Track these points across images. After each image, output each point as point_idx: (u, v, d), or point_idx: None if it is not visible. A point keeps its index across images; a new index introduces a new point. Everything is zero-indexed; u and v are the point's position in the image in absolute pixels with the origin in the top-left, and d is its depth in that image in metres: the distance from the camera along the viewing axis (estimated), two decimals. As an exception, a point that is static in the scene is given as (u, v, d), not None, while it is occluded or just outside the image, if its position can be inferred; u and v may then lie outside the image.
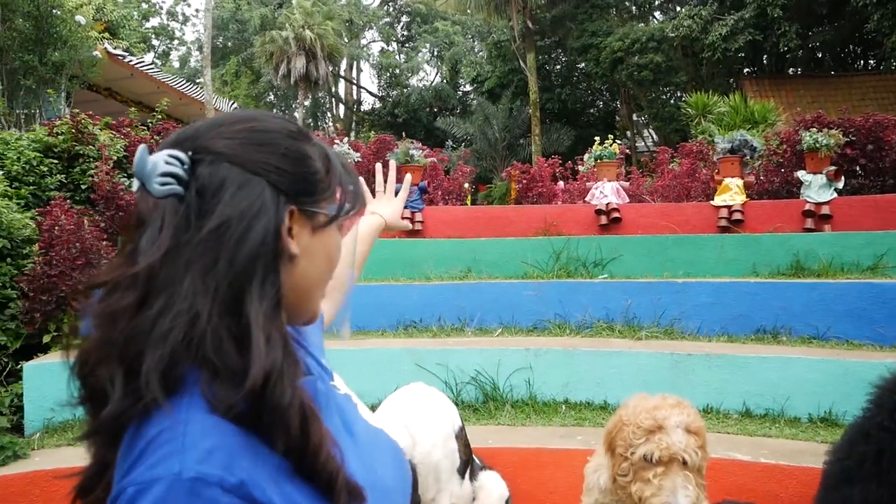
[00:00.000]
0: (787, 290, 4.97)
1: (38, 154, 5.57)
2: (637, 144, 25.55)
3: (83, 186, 5.75)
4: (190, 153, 0.83)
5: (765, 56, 21.02)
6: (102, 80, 12.17)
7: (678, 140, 20.65)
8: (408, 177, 1.89)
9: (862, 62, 22.29)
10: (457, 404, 4.06)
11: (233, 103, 21.49)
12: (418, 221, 6.78)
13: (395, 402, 2.71)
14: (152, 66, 13.19)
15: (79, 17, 9.76)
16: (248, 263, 0.79)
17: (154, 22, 38.12)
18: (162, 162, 0.81)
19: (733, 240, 6.01)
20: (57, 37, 9.07)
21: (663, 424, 1.92)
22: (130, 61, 12.26)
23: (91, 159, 5.80)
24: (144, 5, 35.01)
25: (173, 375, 0.74)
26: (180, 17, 40.53)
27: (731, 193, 6.83)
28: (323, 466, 0.78)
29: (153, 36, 37.79)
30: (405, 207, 6.90)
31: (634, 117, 25.99)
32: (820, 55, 21.64)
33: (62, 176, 5.67)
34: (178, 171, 0.81)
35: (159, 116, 7.12)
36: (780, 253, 5.84)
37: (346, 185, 0.96)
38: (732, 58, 19.62)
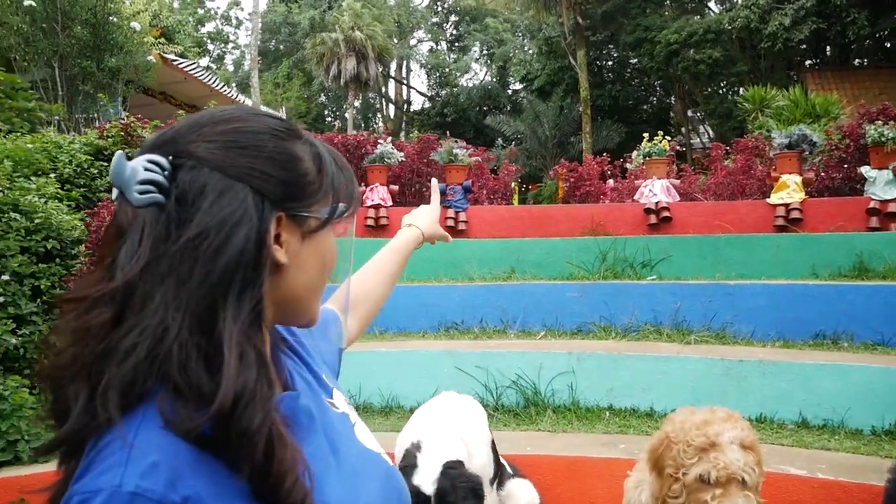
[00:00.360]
0: (848, 293, 4.72)
1: (88, 157, 5.71)
2: (692, 141, 24.93)
3: (131, 188, 5.87)
4: (170, 157, 0.77)
5: (828, 47, 20.22)
6: (157, 84, 12.46)
7: (735, 137, 20.10)
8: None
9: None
10: (496, 409, 3.99)
11: (282, 108, 21.80)
12: (462, 221, 6.70)
13: (438, 413, 2.62)
14: (195, 66, 13.44)
15: (134, 24, 10.00)
16: (225, 276, 0.74)
17: (209, 27, 39.01)
18: (141, 168, 0.75)
19: (791, 239, 5.76)
20: (113, 43, 9.31)
21: (716, 441, 1.77)
22: (181, 65, 12.51)
23: (139, 161, 5.93)
24: (200, 11, 35.86)
25: (134, 392, 0.70)
26: (234, 22, 41.40)
27: (789, 191, 6.55)
28: (287, 493, 0.73)
29: (208, 40, 38.66)
30: (448, 207, 6.87)
31: (690, 113, 25.36)
32: (889, 45, 20.66)
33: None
34: (159, 177, 0.75)
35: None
36: (842, 253, 5.57)
37: (339, 185, 0.89)
38: (793, 49, 18.92)
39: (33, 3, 8.54)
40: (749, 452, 1.78)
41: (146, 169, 0.75)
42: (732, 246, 5.81)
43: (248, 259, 0.75)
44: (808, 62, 21.29)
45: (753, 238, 5.85)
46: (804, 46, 19.44)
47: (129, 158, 0.77)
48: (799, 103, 13.17)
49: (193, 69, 13.17)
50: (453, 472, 2.13)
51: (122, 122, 6.14)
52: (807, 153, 6.77)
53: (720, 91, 23.77)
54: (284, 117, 0.94)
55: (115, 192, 0.78)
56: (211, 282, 0.73)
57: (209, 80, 14.09)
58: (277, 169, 0.81)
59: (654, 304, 4.91)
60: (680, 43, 20.53)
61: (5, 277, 3.95)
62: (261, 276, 0.77)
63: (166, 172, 0.76)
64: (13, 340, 3.83)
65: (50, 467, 2.92)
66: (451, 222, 6.68)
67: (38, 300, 4.28)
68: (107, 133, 6.06)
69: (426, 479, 2.08)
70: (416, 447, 2.21)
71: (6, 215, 4.23)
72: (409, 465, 2.15)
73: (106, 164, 5.83)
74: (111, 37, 9.27)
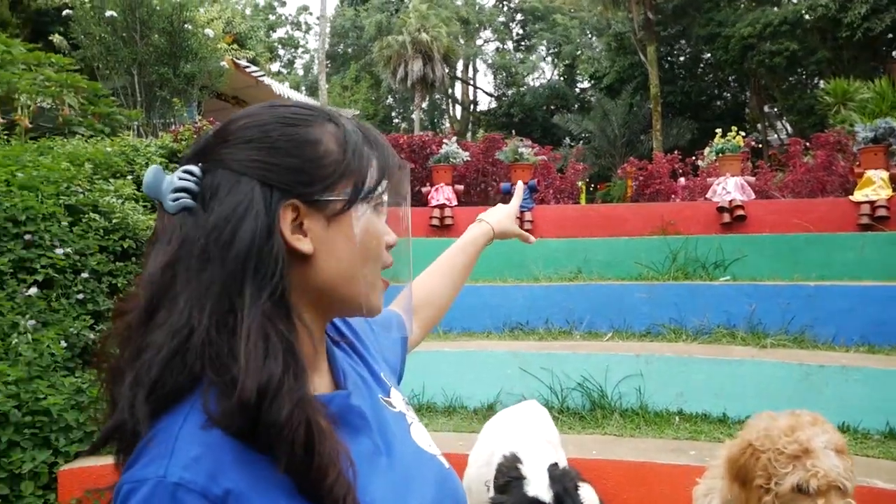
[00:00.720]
0: (942, 296, 4.44)
1: (163, 159, 5.91)
2: (769, 138, 24.06)
3: (203, 188, 6.07)
4: (200, 165, 0.81)
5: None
6: (230, 88, 12.81)
7: (815, 133, 19.25)
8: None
9: None
10: (561, 411, 3.92)
11: (354, 111, 22.14)
12: (527, 221, 6.63)
13: (516, 421, 2.58)
14: (258, 70, 13.73)
15: (208, 31, 10.32)
16: (237, 269, 0.75)
17: (280, 32, 39.99)
18: (176, 178, 0.80)
19: (876, 239, 5.46)
20: (188, 50, 9.62)
21: (810, 447, 1.64)
22: (249, 69, 12.83)
23: (211, 163, 6.12)
24: (271, 17, 36.78)
25: (165, 390, 0.74)
26: (303, 27, 42.35)
27: (875, 187, 6.22)
28: (329, 488, 0.73)
29: (279, 46, 39.64)
30: (514, 207, 6.79)
31: (766, 108, 24.46)
32: None
33: (185, 179, 6.01)
34: (190, 184, 0.79)
35: (277, 122, 7.38)
36: (935, 253, 5.25)
37: (367, 163, 0.85)
38: (877, 39, 18.01)
39: (115, 14, 8.92)
40: (844, 457, 1.66)
41: (180, 178, 0.79)
42: (812, 246, 5.55)
43: (259, 250, 0.75)
44: (894, 52, 20.21)
45: (835, 237, 5.57)
46: (890, 36, 18.49)
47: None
48: (885, 95, 12.51)
49: (260, 75, 13.49)
50: (559, 473, 2.09)
51: (196, 125, 6.33)
52: (894, 147, 6.41)
53: (798, 85, 22.84)
54: (313, 104, 0.90)
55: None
56: (224, 276, 0.74)
57: (277, 85, 14.39)
58: (284, 156, 0.80)
59: (728, 305, 4.73)
60: (755, 36, 19.81)
61: (85, 275, 4.12)
62: (276, 266, 0.76)
63: (197, 179, 0.79)
64: (91, 336, 3.99)
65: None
66: (516, 222, 6.62)
67: (115, 297, 4.46)
68: (181, 136, 6.27)
69: (540, 488, 2.04)
70: (515, 459, 2.15)
71: (87, 215, 4.42)
72: (514, 477, 2.08)
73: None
74: (186, 44, 9.57)
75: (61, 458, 3.31)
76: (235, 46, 15.92)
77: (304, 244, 0.80)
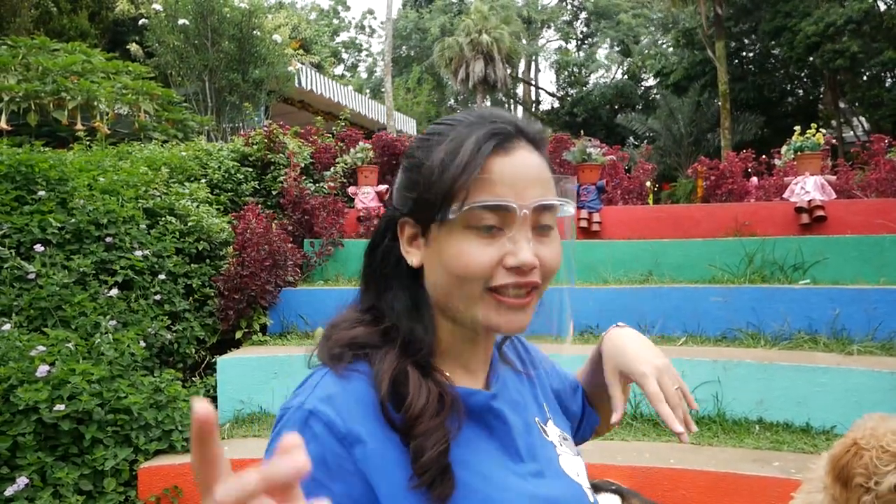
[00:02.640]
0: None
1: (235, 163, 6.05)
2: (845, 135, 23.08)
3: (273, 192, 6.16)
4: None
5: None
6: (296, 92, 13.06)
7: (891, 127, 18.38)
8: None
9: None
10: (634, 417, 3.83)
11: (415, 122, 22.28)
12: (595, 222, 6.52)
13: None
14: (321, 81, 13.96)
15: (276, 37, 10.53)
16: (384, 280, 0.95)
17: (344, 36, 40.57)
18: None
19: (968, 240, 5.16)
20: (257, 55, 9.85)
21: None
22: (308, 82, 13.05)
23: (281, 166, 6.21)
24: (336, 21, 37.36)
25: (343, 354, 0.90)
26: (367, 31, 42.85)
27: (966, 186, 5.88)
28: (422, 460, 0.80)
29: (343, 49, 40.22)
30: (581, 208, 6.70)
31: (841, 104, 23.47)
32: None
33: (256, 182, 6.12)
34: None
35: (343, 124, 7.46)
36: None
37: (451, 183, 0.83)
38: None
39: (187, 22, 9.20)
40: None
41: None
42: (899, 247, 5.28)
43: (389, 264, 0.94)
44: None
45: (924, 239, 5.29)
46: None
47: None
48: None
49: (320, 84, 13.74)
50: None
51: (266, 129, 6.45)
52: None
53: (874, 78, 21.85)
54: (457, 117, 0.93)
55: None
56: (381, 285, 0.95)
57: (337, 91, 14.64)
58: (404, 182, 0.91)
59: (809, 310, 4.54)
60: (819, 34, 19.05)
61: (162, 277, 4.24)
62: (407, 278, 0.92)
63: None
64: (168, 336, 4.09)
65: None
66: (584, 223, 6.51)
67: (190, 298, 4.58)
68: (251, 140, 6.40)
69: None
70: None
71: (164, 218, 4.55)
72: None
73: (251, 169, 6.15)
74: (255, 50, 9.81)
75: (141, 455, 3.40)
76: (301, 52, 16.20)
77: (412, 257, 0.91)
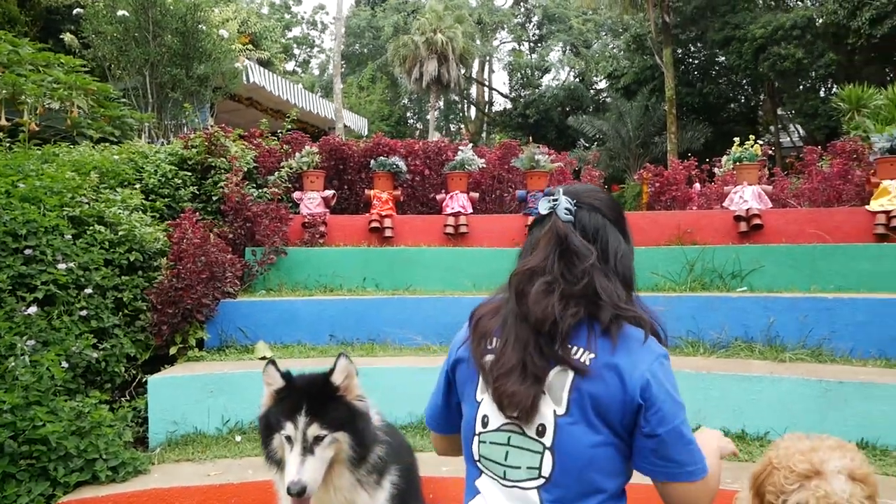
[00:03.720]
0: (960, 310, 4.35)
1: (173, 167, 5.84)
2: (781, 141, 23.82)
3: (214, 198, 5.99)
4: (574, 202, 1.55)
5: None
6: (244, 89, 12.82)
7: (825, 137, 19.05)
8: None
9: None
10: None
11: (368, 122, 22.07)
12: (542, 229, 6.57)
13: None
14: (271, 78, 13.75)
15: (222, 31, 10.31)
16: (631, 271, 1.58)
17: (296, 31, 40.02)
18: (566, 202, 1.55)
19: (893, 249, 5.35)
20: (202, 51, 9.60)
21: (821, 469, 1.63)
22: (256, 81, 12.81)
23: (222, 171, 6.04)
24: (287, 16, 36.83)
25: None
26: (319, 26, 42.40)
27: (890, 197, 6.10)
28: None
29: (294, 45, 39.64)
30: (529, 214, 6.73)
31: (779, 111, 24.23)
32: None
33: (195, 188, 5.92)
34: (572, 209, 1.54)
35: (289, 126, 7.34)
36: (954, 265, 5.15)
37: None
38: (887, 45, 17.86)
39: (127, 14, 8.91)
40: (858, 484, 1.62)
41: (566, 204, 1.54)
42: (829, 256, 5.45)
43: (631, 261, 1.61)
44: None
45: (852, 248, 5.47)
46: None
47: None
48: (898, 102, 12.37)
49: (263, 78, 13.50)
50: None
51: (207, 131, 6.28)
52: (912, 157, 6.29)
53: (809, 89, 22.64)
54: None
55: (544, 207, 1.57)
56: (627, 274, 1.56)
57: (287, 89, 14.40)
58: (617, 216, 1.60)
59: (746, 318, 4.66)
60: (766, 38, 19.69)
61: (88, 291, 4.02)
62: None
63: (573, 209, 1.54)
64: (94, 354, 3.86)
65: (128, 487, 2.94)
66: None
67: (120, 313, 4.33)
68: (191, 143, 6.22)
69: None
70: None
71: (92, 227, 4.31)
72: None
73: (190, 173, 5.97)
74: (200, 45, 9.55)
75: (60, 489, 3.13)
76: (250, 47, 15.90)
77: None
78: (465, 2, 32.88)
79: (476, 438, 1.50)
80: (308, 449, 1.95)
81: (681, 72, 24.03)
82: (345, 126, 16.68)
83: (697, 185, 8.47)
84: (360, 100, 33.52)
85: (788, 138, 24.49)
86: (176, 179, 5.77)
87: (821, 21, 18.29)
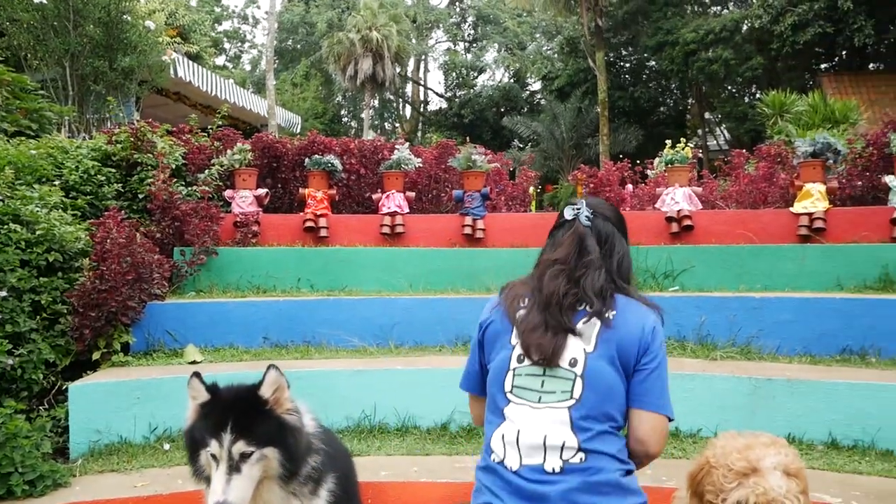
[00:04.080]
0: (876, 307, 4.58)
1: (96, 163, 5.56)
2: (708, 144, 24.66)
3: (140, 196, 5.75)
4: (592, 212, 2.01)
5: (843, 51, 19.97)
6: (171, 84, 12.41)
7: (751, 140, 19.81)
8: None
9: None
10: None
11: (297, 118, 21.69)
12: (480, 229, 6.57)
13: None
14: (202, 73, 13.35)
15: (148, 23, 9.93)
16: (630, 268, 2.02)
17: (226, 25, 39.08)
18: (588, 212, 2.00)
19: (816, 250, 5.59)
20: (127, 42, 9.23)
21: (758, 466, 1.67)
22: (185, 76, 12.42)
23: (149, 168, 5.80)
24: (217, 9, 35.91)
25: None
26: (251, 21, 41.49)
27: (813, 200, 6.36)
28: None
29: (225, 39, 38.69)
30: (465, 214, 6.73)
31: (707, 115, 25.08)
32: (899, 50, 20.42)
33: (120, 185, 5.67)
34: (591, 217, 2.00)
35: (220, 122, 7.12)
36: (868, 265, 5.42)
37: None
38: (807, 52, 18.71)
39: (45, 1, 8.48)
40: (793, 480, 1.67)
41: (587, 214, 2.00)
42: (757, 257, 5.65)
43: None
44: (823, 66, 21.04)
45: (778, 249, 5.69)
46: (819, 49, 19.21)
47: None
48: (818, 108, 12.96)
49: (202, 76, 13.13)
50: None
51: (132, 126, 6.02)
52: (830, 162, 6.58)
53: (736, 94, 23.53)
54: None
55: (569, 213, 2.04)
56: (625, 270, 2.01)
57: (217, 84, 14.01)
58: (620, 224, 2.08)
59: (678, 317, 4.77)
60: (697, 42, 20.34)
61: (3, 294, 3.78)
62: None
63: (591, 217, 2.00)
64: (9, 361, 3.65)
65: (47, 501, 2.76)
66: (468, 230, 6.54)
67: (38, 316, 4.10)
68: (115, 138, 5.95)
69: None
70: None
71: (6, 226, 4.05)
72: None
73: (114, 170, 5.70)
74: (124, 36, 9.18)
75: None
76: (178, 40, 15.47)
77: None
78: (400, 0, 32.74)
79: (511, 373, 1.87)
80: (234, 467, 1.84)
81: (613, 75, 24.54)
82: (278, 124, 16.36)
83: (630, 187, 8.65)
84: (294, 97, 33.00)
85: (715, 141, 25.36)
86: (99, 176, 5.49)
87: (746, 26, 18.98)
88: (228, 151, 6.64)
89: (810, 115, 12.85)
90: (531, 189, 8.74)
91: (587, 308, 1.88)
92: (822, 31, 17.23)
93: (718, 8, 24.57)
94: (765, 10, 18.19)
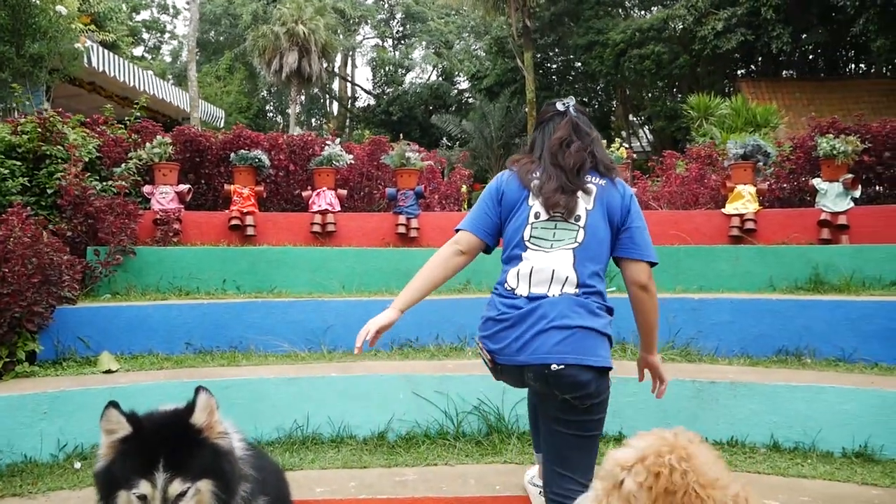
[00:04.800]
0: (810, 308, 4.63)
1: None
2: (633, 145, 25.23)
3: (49, 191, 5.31)
4: (574, 107, 2.54)
5: (760, 57, 20.80)
6: (85, 73, 11.72)
7: (672, 143, 20.37)
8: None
9: (853, 66, 22.22)
10: (457, 437, 3.71)
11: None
12: (414, 228, 6.39)
13: None
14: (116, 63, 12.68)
15: (60, 7, 9.30)
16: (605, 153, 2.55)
17: (145, 15, 37.60)
18: (573, 106, 2.55)
19: (749, 251, 5.67)
20: (36, 27, 8.61)
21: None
22: (96, 56, 11.74)
23: (59, 160, 5.36)
24: (135, -2, 34.44)
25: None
26: (171, 11, 40.03)
27: (744, 201, 6.48)
28: None
29: (144, 29, 37.27)
30: (399, 213, 6.54)
31: (631, 118, 25.66)
32: (812, 57, 21.47)
33: (26, 179, 5.21)
34: (574, 110, 2.54)
35: (138, 114, 6.69)
36: (799, 266, 5.52)
37: None
38: (727, 57, 19.36)
39: (-57, -20, 7.82)
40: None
41: (574, 107, 2.55)
42: (692, 258, 5.68)
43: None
44: (740, 72, 21.86)
45: (712, 250, 5.74)
46: (737, 55, 19.92)
47: None
48: (741, 112, 13.39)
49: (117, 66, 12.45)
50: None
51: (40, 116, 5.55)
52: (761, 164, 6.72)
53: (661, 96, 24.16)
54: None
55: (562, 107, 2.53)
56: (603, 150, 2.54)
57: (135, 74, 13.33)
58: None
59: (617, 318, 4.66)
60: (626, 41, 20.73)
61: None
62: None
63: (575, 110, 2.56)
64: None
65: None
66: (402, 229, 6.35)
67: None
68: (21, 128, 5.47)
69: None
70: None
71: None
72: None
73: (19, 162, 5.24)
74: (33, 21, 8.57)
75: None
76: (93, 27, 14.71)
77: None
78: (327, -7, 32.21)
79: (529, 226, 2.34)
80: None
81: (541, 76, 24.80)
82: (200, 118, 15.70)
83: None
84: (217, 90, 31.98)
85: (638, 143, 25.95)
86: (2, 169, 5.03)
87: (671, 24, 19.44)
88: (147, 144, 6.23)
89: (733, 119, 13.26)
90: (464, 187, 8.63)
91: (592, 176, 2.38)
92: (744, 38, 17.84)
93: (644, 13, 25.17)
94: (688, 10, 18.68)
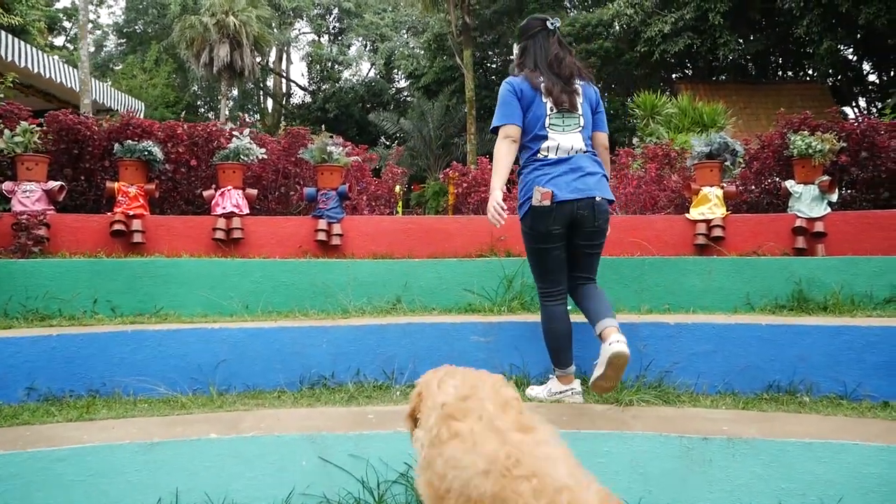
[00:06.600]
0: (804, 335, 3.87)
1: None
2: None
3: None
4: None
5: (699, 61, 20.68)
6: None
7: (612, 143, 20.13)
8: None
9: (782, 72, 22.40)
10: (376, 523, 2.78)
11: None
12: (336, 235, 5.43)
13: None
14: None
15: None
16: None
17: (65, 2, 35.52)
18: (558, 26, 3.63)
19: (723, 263, 4.91)
20: None
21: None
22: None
23: None
24: (52, -17, 32.34)
25: None
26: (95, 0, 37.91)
27: (710, 205, 5.79)
28: None
29: (64, 18, 35.24)
30: (319, 217, 5.61)
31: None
32: (744, 62, 21.50)
33: None
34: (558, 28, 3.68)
35: (2, 95, 5.53)
36: (779, 281, 4.81)
37: None
38: (666, 60, 19.13)
39: None
40: None
41: (558, 26, 3.58)
42: (658, 270, 4.90)
43: None
44: (675, 76, 21.75)
45: (682, 261, 4.96)
46: (673, 61, 19.73)
47: None
48: (687, 112, 12.97)
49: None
50: None
51: None
52: (728, 163, 6.03)
53: (604, 94, 23.83)
54: None
55: (552, 25, 3.49)
56: None
57: (39, 61, 11.88)
58: None
59: (578, 348, 3.85)
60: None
61: None
62: None
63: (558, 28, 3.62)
64: None
65: None
66: (322, 236, 5.40)
67: None
68: None
69: None
70: None
71: None
72: None
73: None
74: None
75: None
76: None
77: None
78: (261, -15, 30.83)
79: (548, 118, 3.31)
80: None
81: (480, 74, 24.19)
82: (111, 109, 14.15)
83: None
84: (142, 83, 30.24)
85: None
86: None
87: (617, 22, 19.07)
88: (7, 132, 5.10)
89: (680, 118, 12.80)
90: (398, 188, 7.71)
91: (578, 79, 3.41)
92: (691, 41, 17.58)
93: (585, 13, 24.81)
94: (634, 9, 18.27)
